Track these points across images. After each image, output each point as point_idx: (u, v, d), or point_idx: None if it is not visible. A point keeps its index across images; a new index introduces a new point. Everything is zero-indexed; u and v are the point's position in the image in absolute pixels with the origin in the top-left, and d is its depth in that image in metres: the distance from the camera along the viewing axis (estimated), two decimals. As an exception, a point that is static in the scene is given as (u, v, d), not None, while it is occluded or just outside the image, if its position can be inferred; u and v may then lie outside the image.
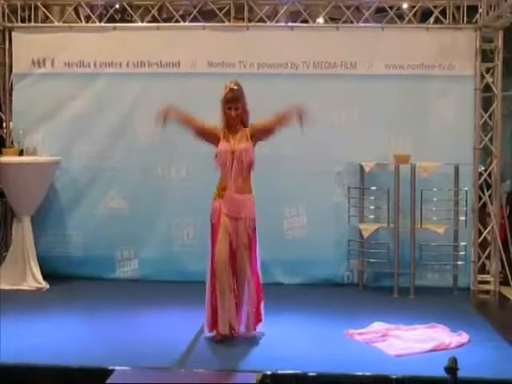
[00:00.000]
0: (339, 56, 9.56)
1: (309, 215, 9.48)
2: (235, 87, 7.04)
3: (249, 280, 7.09)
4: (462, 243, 9.24)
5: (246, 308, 7.10)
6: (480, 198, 9.55)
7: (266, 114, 8.85)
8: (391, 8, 9.74)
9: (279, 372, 6.06)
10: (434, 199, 9.04)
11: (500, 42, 9.52)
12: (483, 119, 9.55)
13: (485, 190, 9.59)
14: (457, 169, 9.12)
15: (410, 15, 9.74)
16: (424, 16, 10.07)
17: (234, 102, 6.99)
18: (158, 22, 9.92)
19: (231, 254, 6.99)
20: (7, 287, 9.01)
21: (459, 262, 9.20)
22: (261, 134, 7.12)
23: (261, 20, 9.82)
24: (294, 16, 10.08)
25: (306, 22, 9.87)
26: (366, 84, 9.48)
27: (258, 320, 7.19)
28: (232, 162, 6.96)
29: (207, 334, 7.10)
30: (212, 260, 7.04)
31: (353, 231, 9.35)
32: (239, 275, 7.07)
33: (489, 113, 9.57)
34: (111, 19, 10.10)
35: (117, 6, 10.33)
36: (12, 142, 9.77)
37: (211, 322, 7.04)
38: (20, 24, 9.82)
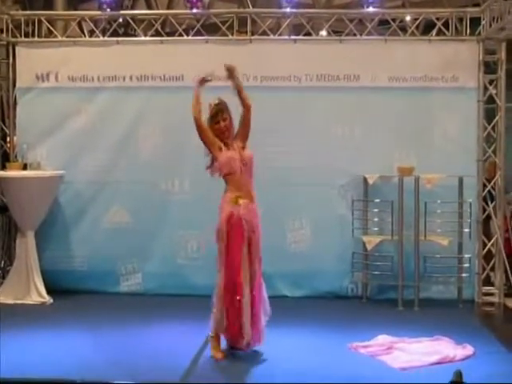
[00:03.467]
0: (342, 68, 9.56)
1: (312, 228, 9.47)
2: (217, 101, 7.06)
3: (260, 291, 7.09)
4: (467, 255, 9.23)
5: (257, 321, 7.05)
6: (484, 210, 9.53)
7: (268, 127, 8.97)
8: (394, 20, 9.75)
9: (283, 386, 6.05)
10: (438, 211, 9.03)
11: (503, 54, 9.53)
12: (487, 131, 9.54)
13: (489, 202, 9.57)
14: (461, 180, 9.11)
15: (413, 27, 9.74)
16: (427, 28, 10.10)
17: (220, 112, 6.99)
18: (161, 35, 9.97)
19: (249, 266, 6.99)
20: (11, 301, 9.03)
21: (463, 274, 9.19)
22: (244, 133, 7.06)
23: (264, 33, 9.85)
24: (297, 29, 10.08)
25: (308, 34, 9.88)
26: (369, 96, 9.49)
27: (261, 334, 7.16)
28: (243, 170, 6.97)
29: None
30: (228, 270, 6.93)
31: (357, 243, 9.33)
32: (253, 287, 7.04)
33: (492, 124, 9.56)
34: (114, 33, 10.14)
35: (120, 20, 10.36)
36: (16, 157, 9.78)
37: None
38: (24, 39, 9.84)
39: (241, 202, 6.94)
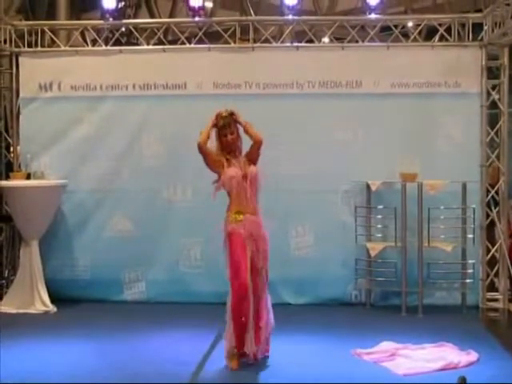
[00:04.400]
0: (345, 75, 9.57)
1: (316, 234, 9.46)
2: (225, 114, 7.01)
3: (267, 303, 7.09)
4: (470, 261, 9.20)
5: (264, 332, 7.04)
6: (488, 216, 9.51)
7: (271, 134, 8.92)
8: (396, 27, 9.74)
9: (287, 393, 6.05)
10: (442, 217, 9.00)
11: (506, 59, 9.51)
12: (490, 136, 9.52)
13: (492, 207, 9.55)
14: (464, 186, 9.09)
15: (416, 33, 9.72)
16: (429, 34, 10.09)
17: (228, 126, 6.97)
18: (164, 44, 9.98)
19: (253, 277, 6.98)
20: (15, 311, 9.04)
21: (467, 280, 9.16)
22: (252, 159, 7.06)
23: (266, 40, 9.85)
24: (300, 36, 10.10)
25: (311, 41, 9.89)
26: (371, 103, 9.49)
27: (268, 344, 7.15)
28: (245, 186, 6.95)
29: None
30: (235, 284, 6.90)
31: (360, 250, 9.31)
32: (261, 298, 7.06)
33: (495, 129, 9.54)
34: (117, 42, 10.16)
35: (123, 29, 10.38)
36: (20, 166, 9.80)
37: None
38: (27, 49, 9.87)
39: (241, 217, 6.95)
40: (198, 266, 9.32)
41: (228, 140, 6.97)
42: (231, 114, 6.92)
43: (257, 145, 6.98)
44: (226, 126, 6.95)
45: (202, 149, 6.96)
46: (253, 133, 6.96)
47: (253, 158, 7.04)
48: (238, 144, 7.06)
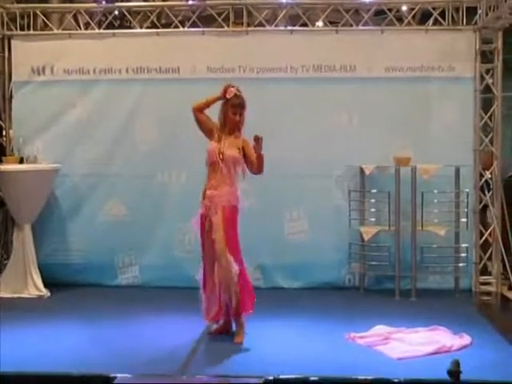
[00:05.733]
0: (339, 59, 9.54)
1: (309, 219, 9.45)
2: (240, 94, 7.16)
3: (219, 260, 7.03)
4: (464, 245, 9.22)
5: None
6: (481, 200, 9.52)
7: (265, 118, 8.95)
8: (390, 10, 9.73)
9: (281, 377, 6.01)
10: (435, 201, 9.02)
11: (499, 43, 9.49)
12: (483, 120, 9.53)
13: (486, 192, 9.57)
14: (457, 170, 9.10)
15: (410, 17, 9.70)
16: (423, 18, 10.05)
17: (240, 107, 7.13)
18: (157, 27, 9.94)
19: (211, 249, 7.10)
20: (8, 295, 9.02)
21: (460, 264, 9.19)
22: (245, 158, 7.17)
23: (260, 24, 9.81)
24: (294, 20, 10.06)
25: (305, 25, 9.84)
26: (365, 87, 9.47)
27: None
28: (219, 163, 7.07)
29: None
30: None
31: (354, 234, 9.32)
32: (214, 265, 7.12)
33: (489, 114, 9.54)
34: (110, 26, 10.10)
35: (116, 13, 10.33)
36: (12, 150, 9.77)
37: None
38: (19, 32, 9.82)
39: (207, 193, 7.12)
40: (193, 250, 9.29)
41: (236, 119, 7.11)
42: (257, 138, 6.91)
43: (253, 170, 7.10)
44: (238, 105, 7.09)
45: (193, 112, 7.16)
46: (261, 163, 7.04)
47: (250, 160, 7.12)
48: (239, 126, 7.18)
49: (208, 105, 7.19)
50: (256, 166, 7.08)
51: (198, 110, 7.18)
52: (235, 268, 6.99)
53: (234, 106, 7.10)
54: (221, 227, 7.00)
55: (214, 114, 7.25)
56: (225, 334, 7.28)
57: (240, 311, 7.13)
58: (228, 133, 7.16)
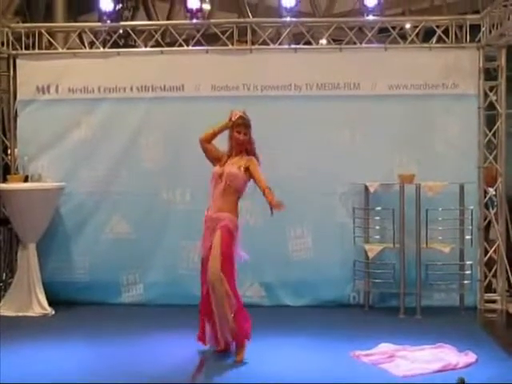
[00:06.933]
0: (342, 77, 9.57)
1: (314, 236, 9.46)
2: (245, 116, 7.24)
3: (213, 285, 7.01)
4: (468, 262, 9.20)
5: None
6: (485, 217, 9.51)
7: (269, 136, 8.97)
8: (394, 28, 9.76)
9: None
10: (440, 218, 9.00)
11: (503, 61, 9.52)
12: (487, 137, 9.53)
13: (490, 209, 9.56)
14: (462, 187, 9.09)
15: (413, 35, 9.73)
16: (427, 36, 10.08)
17: (244, 127, 7.20)
18: (162, 46, 9.97)
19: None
20: (13, 313, 9.01)
21: (465, 281, 9.17)
22: (252, 177, 7.18)
23: (264, 42, 9.85)
24: (297, 38, 10.08)
25: (309, 43, 9.88)
26: (369, 104, 9.50)
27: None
28: (218, 184, 7.14)
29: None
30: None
31: (358, 252, 9.32)
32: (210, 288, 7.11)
33: (493, 131, 9.55)
34: (115, 44, 10.13)
35: (120, 32, 10.37)
36: (17, 169, 9.79)
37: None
38: (24, 51, 9.86)
39: (207, 214, 7.23)
40: (197, 268, 9.28)
41: (240, 138, 7.17)
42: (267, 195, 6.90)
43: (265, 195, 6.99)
44: (241, 124, 7.17)
45: (201, 143, 7.25)
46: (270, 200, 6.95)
47: (250, 173, 7.14)
48: (247, 146, 7.24)
49: (216, 134, 7.28)
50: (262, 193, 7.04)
51: (206, 141, 7.26)
52: (232, 301, 7.03)
53: (238, 126, 7.17)
54: (219, 251, 7.01)
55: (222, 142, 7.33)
56: (226, 351, 7.27)
57: (240, 338, 7.11)
58: (235, 155, 7.21)
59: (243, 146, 7.22)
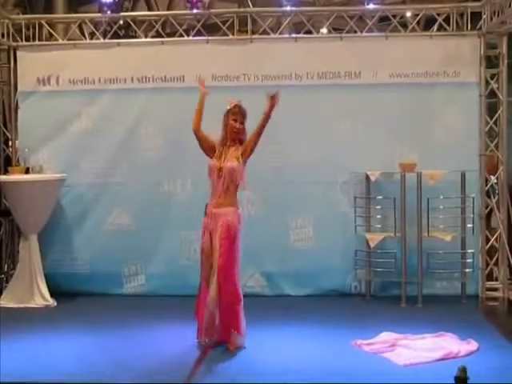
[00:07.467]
0: (343, 66, 9.56)
1: (315, 226, 9.46)
2: (239, 104, 7.25)
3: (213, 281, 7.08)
4: (470, 250, 9.20)
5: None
6: (487, 205, 9.50)
7: (270, 126, 8.90)
8: (395, 17, 9.73)
9: (288, 384, 6.03)
10: (441, 207, 9.00)
11: (504, 48, 9.50)
12: (489, 125, 9.51)
13: (491, 197, 9.55)
14: (463, 176, 9.08)
15: (414, 23, 9.71)
16: (428, 24, 10.06)
17: (241, 115, 7.20)
18: (162, 36, 9.96)
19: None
20: (15, 305, 9.04)
21: (467, 270, 9.17)
22: (252, 143, 7.17)
23: (264, 32, 9.84)
24: (298, 27, 10.06)
25: (309, 32, 9.86)
26: (370, 93, 9.47)
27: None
28: (219, 179, 7.13)
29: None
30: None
31: (359, 241, 9.32)
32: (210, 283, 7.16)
33: (494, 119, 9.52)
34: (115, 35, 10.11)
35: (121, 22, 10.34)
36: (18, 161, 9.79)
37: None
38: (24, 43, 9.86)
39: (210, 210, 7.21)
40: (198, 259, 9.32)
41: (236, 126, 7.18)
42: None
43: (270, 111, 7.06)
44: (238, 113, 7.18)
45: (195, 134, 7.27)
46: (265, 124, 7.12)
47: (254, 142, 7.15)
48: (240, 137, 7.22)
49: (200, 111, 7.28)
50: (260, 125, 7.11)
51: (197, 128, 7.26)
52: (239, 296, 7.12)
53: (234, 114, 7.18)
54: (220, 248, 7.04)
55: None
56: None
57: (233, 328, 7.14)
58: (229, 145, 7.19)
59: (238, 135, 7.21)
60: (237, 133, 7.19)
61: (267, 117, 7.09)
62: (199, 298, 7.30)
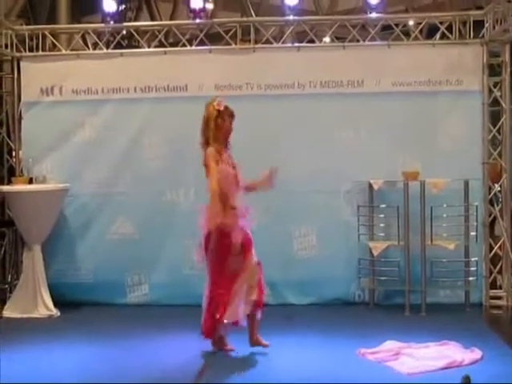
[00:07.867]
0: (346, 75, 9.56)
1: (318, 235, 9.45)
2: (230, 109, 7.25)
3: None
4: (473, 259, 9.19)
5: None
6: (490, 213, 9.49)
7: (273, 135, 9.01)
8: (397, 25, 9.73)
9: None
10: (444, 215, 8.99)
11: (507, 56, 9.50)
12: (492, 133, 9.51)
13: (495, 205, 9.54)
14: (466, 184, 9.07)
15: (417, 32, 9.71)
16: (430, 32, 10.07)
17: (233, 117, 7.20)
18: (165, 46, 9.98)
19: None
20: (18, 315, 9.03)
21: (471, 278, 9.15)
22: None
23: (267, 41, 9.86)
24: (301, 36, 10.10)
25: (312, 41, 9.88)
26: (373, 102, 9.47)
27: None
28: (237, 188, 7.20)
29: None
30: None
31: (363, 249, 9.30)
32: None
33: (497, 127, 9.52)
34: (118, 45, 10.15)
35: (124, 33, 10.38)
36: (22, 171, 9.81)
37: None
38: (28, 53, 9.87)
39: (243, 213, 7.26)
40: (202, 267, 9.33)
41: (230, 127, 7.17)
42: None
43: (248, 190, 7.33)
44: (231, 115, 7.17)
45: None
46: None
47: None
48: (228, 138, 7.25)
49: (241, 189, 7.30)
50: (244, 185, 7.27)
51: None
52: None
53: (230, 116, 7.17)
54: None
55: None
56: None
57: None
58: (224, 146, 7.19)
59: (229, 135, 7.23)
60: (229, 132, 7.22)
61: (253, 190, 7.25)
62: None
